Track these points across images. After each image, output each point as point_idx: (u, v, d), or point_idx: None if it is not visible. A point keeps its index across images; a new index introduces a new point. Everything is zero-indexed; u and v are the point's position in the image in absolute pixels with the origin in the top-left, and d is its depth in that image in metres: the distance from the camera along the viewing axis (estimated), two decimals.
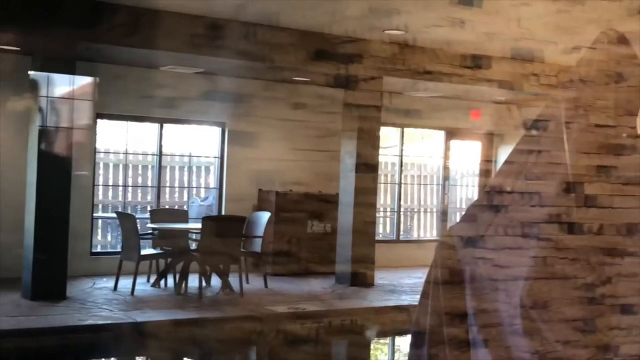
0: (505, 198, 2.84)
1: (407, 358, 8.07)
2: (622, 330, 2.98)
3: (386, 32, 9.34)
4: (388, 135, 13.03)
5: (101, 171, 11.30)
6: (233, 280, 9.49)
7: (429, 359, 3.03)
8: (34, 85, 9.01)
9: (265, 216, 9.88)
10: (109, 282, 9.47)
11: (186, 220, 10.32)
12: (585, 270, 2.89)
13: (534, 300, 2.77)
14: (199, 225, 9.33)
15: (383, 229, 13.58)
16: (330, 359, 8.47)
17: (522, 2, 7.14)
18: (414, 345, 3.27)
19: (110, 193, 11.73)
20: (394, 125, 12.84)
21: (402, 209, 13.53)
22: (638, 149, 2.92)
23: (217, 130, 11.63)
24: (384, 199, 13.36)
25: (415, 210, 14.04)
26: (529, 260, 2.79)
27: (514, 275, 2.80)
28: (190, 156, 11.97)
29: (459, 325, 2.90)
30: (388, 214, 13.64)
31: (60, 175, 8.81)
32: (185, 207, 11.44)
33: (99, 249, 11.07)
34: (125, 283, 9.23)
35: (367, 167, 10.49)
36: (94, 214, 10.89)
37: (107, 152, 11.30)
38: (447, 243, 3.11)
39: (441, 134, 13.70)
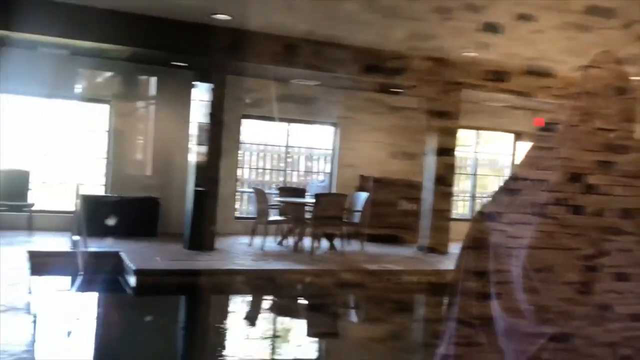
0: (520, 184, 2.78)
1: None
2: (618, 294, 2.86)
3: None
4: (466, 137, 12.77)
5: (245, 157, 11.58)
6: (337, 243, 9.59)
7: (458, 306, 3.02)
8: (195, 92, 9.30)
9: (364, 196, 9.87)
10: (246, 240, 9.67)
11: (304, 196, 10.47)
12: (586, 244, 2.79)
13: (542, 265, 2.71)
14: (313, 200, 9.43)
15: (462, 209, 13.33)
16: (410, 307, 8.40)
17: (537, 29, 6.87)
18: (449, 295, 3.26)
19: (253, 173, 11.96)
20: (472, 128, 12.60)
21: (476, 194, 13.31)
22: (635, 149, 2.79)
23: (331, 129, 11.75)
24: (462, 186, 13.13)
25: (488, 196, 13.71)
26: (538, 234, 2.72)
27: (524, 245, 2.75)
28: (311, 148, 12.12)
29: (480, 281, 2.87)
30: (465, 197, 13.41)
31: (212, 160, 9.01)
32: (306, 187, 11.58)
33: (242, 215, 11.37)
34: (258, 241, 9.40)
35: (446, 160, 10.25)
36: (239, 189, 11.21)
37: (250, 143, 11.54)
38: (477, 218, 3.08)
39: (511, 137, 13.31)
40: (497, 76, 9.84)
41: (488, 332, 2.88)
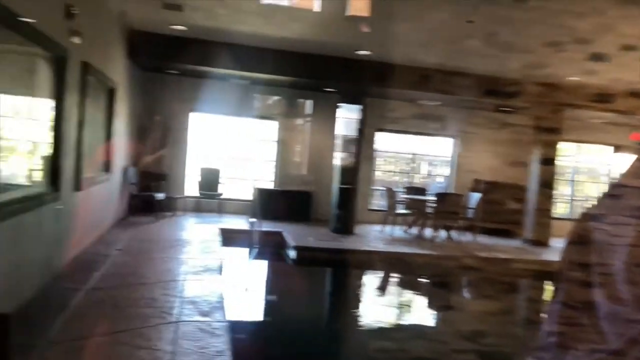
0: (623, 190, 2.56)
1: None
2: None
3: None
4: (568, 148, 11.81)
5: (379, 162, 11.52)
6: (453, 234, 9.31)
7: (563, 291, 2.85)
8: (340, 111, 9.37)
9: (477, 196, 9.46)
10: (378, 227, 9.68)
11: (425, 195, 10.24)
12: None
13: (638, 261, 2.48)
14: (434, 198, 9.23)
15: (562, 210, 12.34)
16: (516, 288, 7.94)
17: None
18: (555, 281, 3.08)
19: (385, 175, 11.86)
20: (574, 141, 11.63)
21: (574, 198, 12.28)
22: None
23: (451, 140, 11.39)
24: (563, 190, 12.15)
25: (585, 199, 12.57)
26: (636, 233, 2.49)
27: (625, 243, 2.52)
28: (432, 156, 11.85)
29: (584, 272, 2.68)
30: (565, 200, 12.40)
31: (354, 163, 9.08)
32: (427, 187, 11.32)
33: (375, 208, 11.40)
34: (388, 229, 9.36)
35: (549, 168, 9.57)
36: (373, 187, 11.13)
37: (383, 151, 11.46)
38: (581, 218, 2.89)
39: (610, 149, 12.10)
40: (602, 98, 9.02)
41: (590, 315, 2.68)
